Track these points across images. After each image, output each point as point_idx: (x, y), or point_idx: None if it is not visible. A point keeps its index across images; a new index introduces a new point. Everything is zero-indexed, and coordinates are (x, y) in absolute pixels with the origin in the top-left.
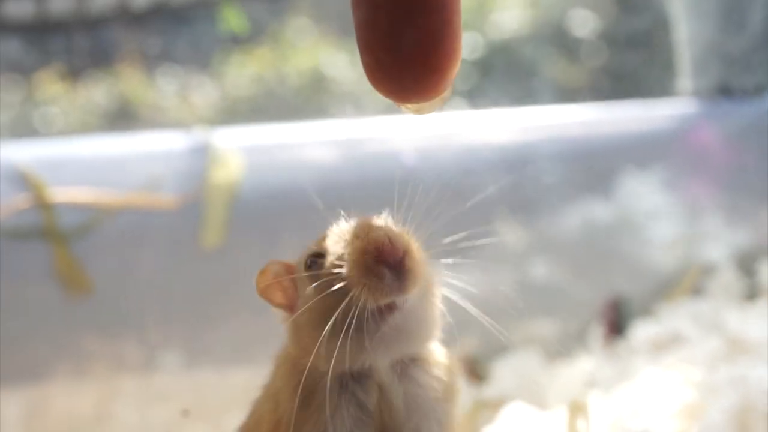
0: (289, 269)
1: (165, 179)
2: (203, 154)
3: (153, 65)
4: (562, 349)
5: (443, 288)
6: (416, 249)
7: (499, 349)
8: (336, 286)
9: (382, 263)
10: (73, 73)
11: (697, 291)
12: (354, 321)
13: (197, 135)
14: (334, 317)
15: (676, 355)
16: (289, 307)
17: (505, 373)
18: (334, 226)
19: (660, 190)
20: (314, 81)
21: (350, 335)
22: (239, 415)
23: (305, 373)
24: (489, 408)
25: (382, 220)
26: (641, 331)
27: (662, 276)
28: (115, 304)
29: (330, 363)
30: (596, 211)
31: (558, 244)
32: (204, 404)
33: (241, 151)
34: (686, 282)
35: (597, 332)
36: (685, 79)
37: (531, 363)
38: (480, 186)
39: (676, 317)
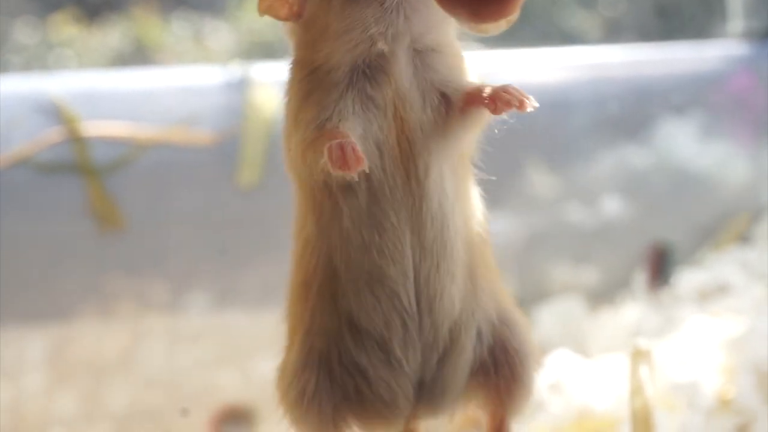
0: None
1: (201, 115)
2: (241, 90)
3: (168, 8)
4: (605, 296)
5: None
6: None
7: (540, 294)
8: None
9: None
10: (88, 16)
11: (744, 239)
12: None
13: (235, 70)
14: None
15: (723, 304)
16: (298, 15)
17: (546, 318)
18: None
19: (703, 135)
20: None
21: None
22: (267, 359)
23: (314, 71)
24: None
25: None
26: (687, 279)
27: (708, 223)
28: (147, 242)
29: (346, 47)
30: (637, 155)
31: (599, 189)
32: (232, 346)
33: (279, 86)
34: (733, 229)
35: (641, 280)
36: (736, 21)
37: (574, 310)
38: (516, 127)
39: (722, 265)
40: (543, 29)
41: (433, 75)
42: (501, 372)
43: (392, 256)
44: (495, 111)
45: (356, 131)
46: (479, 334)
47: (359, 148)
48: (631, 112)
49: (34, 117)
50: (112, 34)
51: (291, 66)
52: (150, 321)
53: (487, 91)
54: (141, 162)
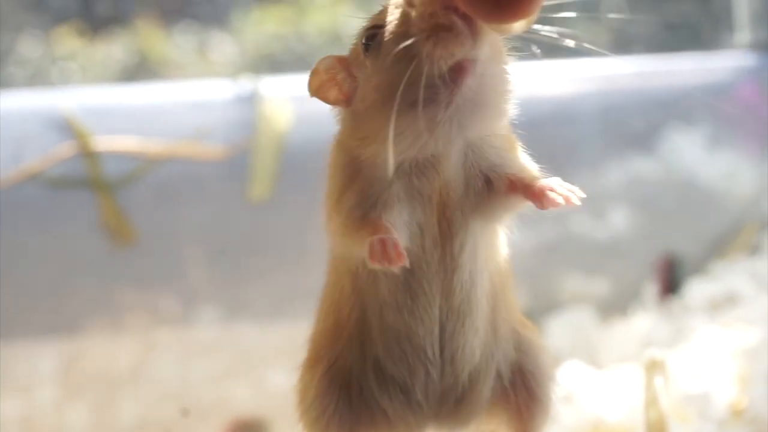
0: (342, 62)
1: (212, 129)
2: (251, 104)
3: (171, 22)
4: (615, 307)
5: None
6: None
7: (551, 305)
8: (403, 44)
9: (451, 10)
10: (92, 29)
11: (753, 249)
12: (425, 86)
13: (245, 84)
14: (403, 88)
15: (732, 314)
16: (346, 101)
17: (558, 329)
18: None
19: (710, 145)
20: (333, 39)
21: (418, 109)
22: (279, 371)
23: (360, 161)
24: None
25: None
26: (697, 290)
27: (717, 234)
28: (158, 256)
29: (396, 150)
30: (646, 166)
31: (608, 200)
32: (243, 359)
33: (290, 100)
34: (742, 239)
35: (651, 291)
36: (743, 32)
37: (585, 321)
38: (528, 138)
39: (731, 275)
40: (550, 41)
41: (482, 162)
42: (520, 394)
43: (422, 318)
44: (541, 207)
45: (401, 218)
46: (498, 373)
47: (400, 240)
48: (640, 124)
49: (46, 132)
50: (116, 48)
51: (335, 145)
52: (161, 334)
53: (535, 185)
54: (152, 176)
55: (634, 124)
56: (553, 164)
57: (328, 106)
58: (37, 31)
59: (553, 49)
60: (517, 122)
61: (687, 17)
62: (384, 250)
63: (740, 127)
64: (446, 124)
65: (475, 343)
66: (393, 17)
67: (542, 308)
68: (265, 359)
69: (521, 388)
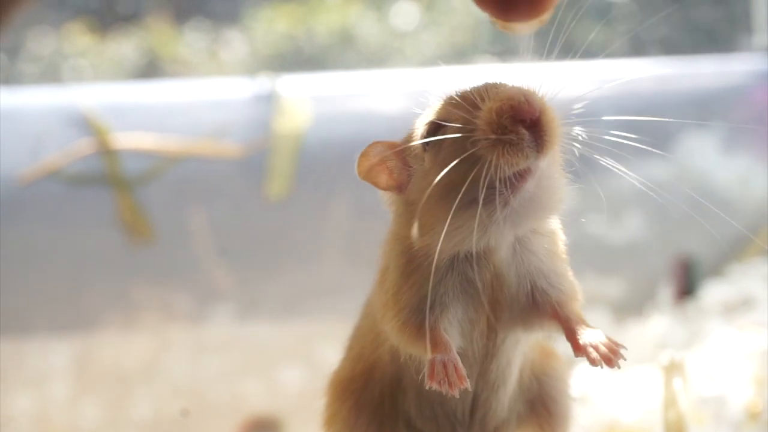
0: (393, 149)
1: (230, 127)
2: (269, 102)
3: (182, 20)
4: (631, 309)
5: None
6: (550, 106)
7: None
8: (469, 152)
9: (520, 122)
10: (103, 26)
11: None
12: (485, 192)
13: (263, 83)
14: (465, 191)
15: (748, 317)
16: (398, 188)
17: None
18: (450, 94)
19: (727, 148)
20: (343, 39)
21: (476, 207)
22: (292, 369)
23: (414, 252)
24: None
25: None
26: (712, 293)
27: (732, 237)
28: (175, 253)
29: (450, 242)
30: (661, 168)
31: (624, 203)
32: (256, 356)
33: (307, 99)
34: (757, 243)
35: (667, 293)
36: (761, 35)
37: (600, 322)
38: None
39: (747, 278)
40: (567, 43)
41: (531, 256)
42: (541, 415)
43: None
44: (580, 356)
45: (455, 316)
46: (518, 415)
47: (454, 343)
48: (656, 127)
49: (64, 129)
50: (127, 45)
51: (390, 235)
52: (175, 331)
53: (580, 335)
54: (170, 174)
55: (650, 128)
56: (572, 165)
57: (344, 108)
58: (48, 27)
59: (569, 51)
60: None
61: (705, 20)
62: (445, 372)
63: (756, 130)
64: (500, 222)
65: (505, 404)
66: (457, 116)
67: None
68: (278, 357)
69: (542, 409)
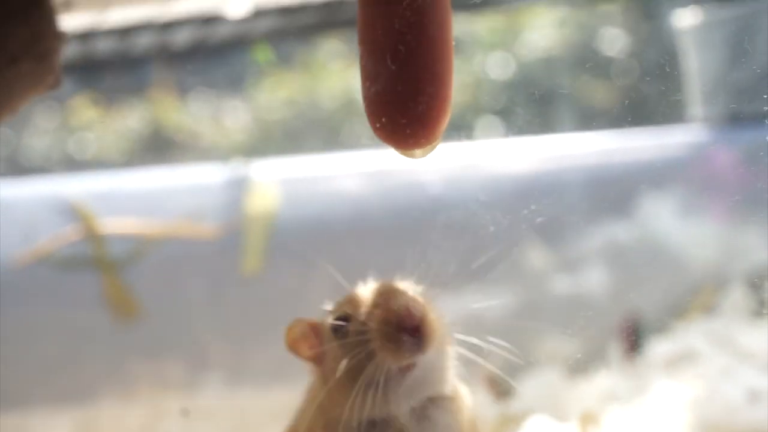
0: (313, 327)
1: (206, 210)
2: (241, 186)
3: (186, 92)
4: (582, 365)
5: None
6: (432, 313)
7: (523, 366)
8: (363, 353)
9: (402, 331)
10: (108, 101)
11: (710, 309)
12: (380, 380)
13: (235, 167)
14: (362, 378)
15: (690, 371)
16: (317, 360)
17: (529, 388)
18: (357, 288)
19: (676, 213)
20: (345, 103)
21: (375, 387)
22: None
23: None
24: (513, 422)
25: (402, 284)
26: (657, 349)
27: (678, 295)
28: (162, 328)
29: (355, 413)
30: (616, 234)
31: (579, 267)
32: (245, 422)
33: (277, 182)
34: (699, 301)
35: (616, 349)
36: (695, 107)
37: (553, 379)
38: (505, 212)
39: (689, 335)
40: (527, 113)
41: (429, 425)
42: None
43: None
44: None
45: None
46: None
47: None
48: (610, 195)
49: (53, 216)
50: (131, 117)
51: (311, 390)
52: (168, 400)
53: None
54: (153, 255)
55: (601, 198)
56: (534, 232)
57: (314, 189)
58: (53, 102)
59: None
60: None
61: (643, 94)
62: None
63: (709, 195)
64: (395, 401)
65: None
66: (359, 313)
67: (515, 369)
68: (265, 421)
69: None
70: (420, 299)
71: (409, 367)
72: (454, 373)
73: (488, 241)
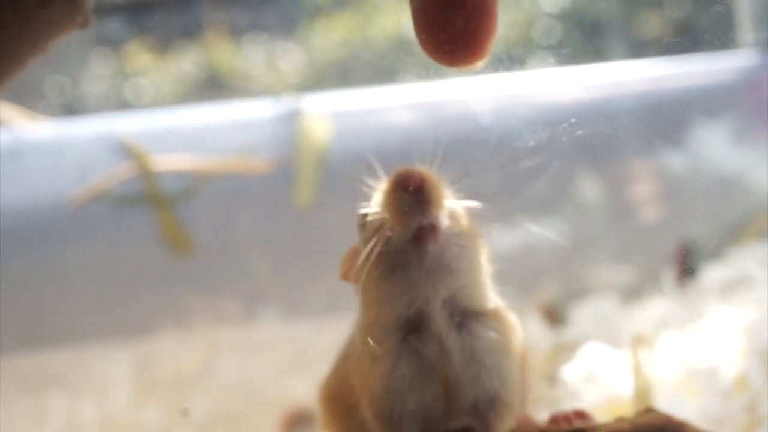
0: (355, 249)
1: (259, 145)
2: (293, 120)
3: (240, 35)
4: (636, 292)
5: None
6: (436, 178)
7: (578, 294)
8: (370, 219)
9: (401, 189)
10: (162, 46)
11: (764, 234)
12: (398, 253)
13: (287, 102)
14: (382, 259)
15: (744, 296)
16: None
17: (583, 316)
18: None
19: (729, 139)
20: (399, 43)
21: (397, 273)
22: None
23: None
24: (567, 349)
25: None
26: (711, 274)
27: (732, 221)
28: (217, 263)
29: (388, 307)
30: (669, 160)
31: (633, 194)
32: (300, 356)
33: (329, 116)
34: (754, 226)
35: (670, 276)
36: (747, 32)
37: (607, 306)
38: (556, 141)
39: (744, 261)
40: (579, 45)
41: (474, 342)
42: None
43: None
44: None
45: (415, 402)
46: None
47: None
48: (663, 123)
49: (107, 154)
50: (185, 62)
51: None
52: (225, 334)
53: None
54: (207, 191)
55: (653, 126)
56: (586, 161)
57: (365, 121)
58: (108, 49)
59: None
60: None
61: (692, 20)
62: None
63: (762, 119)
64: (420, 283)
65: None
66: (374, 203)
67: (570, 297)
68: (320, 355)
69: None
70: (426, 169)
71: (423, 239)
72: (493, 290)
73: (538, 171)
